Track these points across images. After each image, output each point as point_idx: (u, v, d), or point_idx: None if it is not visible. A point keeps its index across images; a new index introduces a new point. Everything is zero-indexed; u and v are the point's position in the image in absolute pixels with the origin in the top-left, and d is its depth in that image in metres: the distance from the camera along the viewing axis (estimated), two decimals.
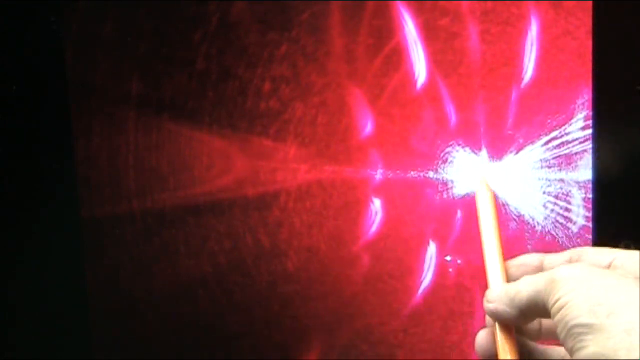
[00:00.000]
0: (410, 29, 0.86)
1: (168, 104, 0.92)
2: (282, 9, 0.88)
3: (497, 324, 0.46)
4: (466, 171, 0.87)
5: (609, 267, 0.45)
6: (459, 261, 0.90)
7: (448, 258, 0.90)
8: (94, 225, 0.95)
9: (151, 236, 0.95)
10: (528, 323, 0.47)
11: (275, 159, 0.91)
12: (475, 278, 0.89)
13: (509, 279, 0.48)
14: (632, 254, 0.44)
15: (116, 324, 0.97)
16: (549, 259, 0.48)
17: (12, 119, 0.91)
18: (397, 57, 0.87)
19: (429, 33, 0.86)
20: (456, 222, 0.89)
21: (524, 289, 0.44)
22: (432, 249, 0.90)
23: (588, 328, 0.39)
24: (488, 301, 0.46)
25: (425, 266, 0.91)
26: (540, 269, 0.47)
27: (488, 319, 0.48)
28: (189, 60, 0.90)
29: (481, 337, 0.48)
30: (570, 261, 0.47)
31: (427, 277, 0.91)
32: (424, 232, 0.90)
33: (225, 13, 0.89)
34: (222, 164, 0.92)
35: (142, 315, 0.97)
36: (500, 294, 0.46)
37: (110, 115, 0.92)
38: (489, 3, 0.84)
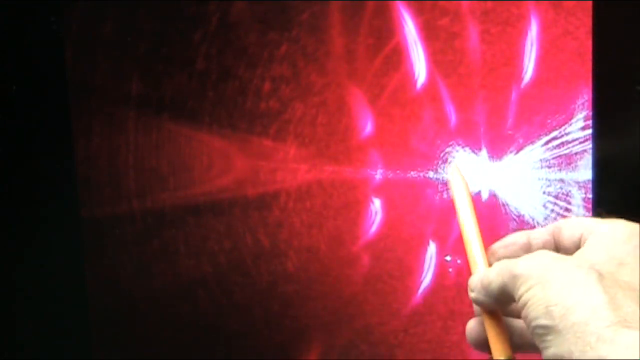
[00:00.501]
0: (410, 29, 0.86)
1: (168, 104, 0.92)
2: (282, 9, 0.88)
3: (483, 312, 0.47)
4: (466, 171, 0.87)
5: (578, 244, 0.45)
6: (459, 261, 0.90)
7: (448, 258, 0.90)
8: (94, 225, 0.95)
9: (151, 236, 0.95)
10: (509, 306, 0.47)
11: (275, 159, 0.91)
12: None
13: (500, 259, 0.48)
14: (597, 235, 0.44)
15: (116, 324, 0.97)
16: (534, 235, 0.48)
17: (12, 119, 0.91)
18: (397, 57, 0.87)
19: (429, 33, 0.86)
20: (456, 222, 0.89)
21: (494, 280, 0.44)
22: (432, 249, 0.90)
23: (546, 329, 0.39)
24: (470, 290, 0.48)
25: (425, 266, 0.91)
26: (528, 246, 0.48)
27: (475, 306, 0.49)
28: (189, 60, 0.90)
29: (471, 327, 0.49)
30: (552, 236, 0.47)
31: (427, 277, 0.91)
32: (424, 232, 0.90)
33: (225, 13, 0.89)
34: (222, 164, 0.92)
35: (142, 315, 0.97)
36: (477, 283, 0.47)
37: (110, 115, 0.92)
38: (489, 3, 0.84)
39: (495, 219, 0.87)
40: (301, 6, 0.87)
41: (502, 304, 0.46)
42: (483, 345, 0.47)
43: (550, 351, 0.39)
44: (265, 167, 0.92)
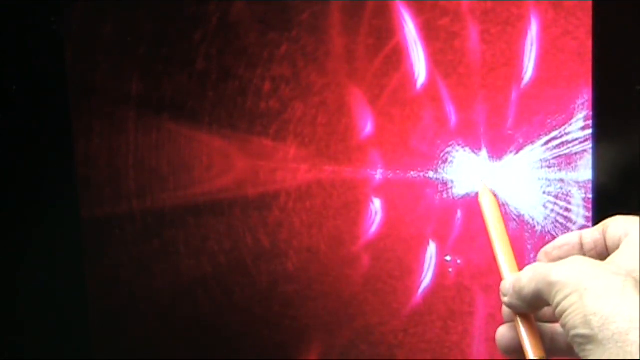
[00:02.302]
0: (410, 29, 0.86)
1: (168, 104, 0.92)
2: (282, 9, 0.88)
3: (516, 315, 0.47)
4: (466, 171, 0.87)
5: (619, 245, 0.45)
6: (459, 261, 0.89)
7: (448, 258, 0.90)
8: (94, 225, 0.95)
9: (151, 236, 0.95)
10: (541, 311, 0.47)
11: (275, 159, 0.91)
12: (475, 278, 0.89)
13: (554, 260, 0.48)
14: (633, 238, 0.44)
15: (116, 324, 0.97)
16: (585, 234, 0.48)
17: (12, 119, 0.91)
18: (397, 57, 0.87)
19: (429, 33, 0.86)
20: (456, 222, 0.89)
21: (527, 285, 0.45)
22: (432, 249, 0.90)
23: (586, 339, 0.40)
24: (503, 294, 0.48)
25: (425, 266, 0.91)
26: (580, 246, 0.48)
27: (505, 311, 0.49)
28: (189, 60, 0.90)
29: (502, 333, 0.49)
30: (602, 234, 0.47)
31: (427, 277, 0.91)
32: (424, 232, 0.90)
33: (225, 13, 0.89)
34: (222, 164, 0.92)
35: (142, 315, 0.97)
36: (509, 288, 0.47)
37: (110, 115, 0.92)
38: (489, 3, 0.84)
39: None
40: (301, 6, 0.87)
41: (534, 309, 0.46)
42: (514, 351, 0.48)
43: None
44: (265, 167, 0.92)
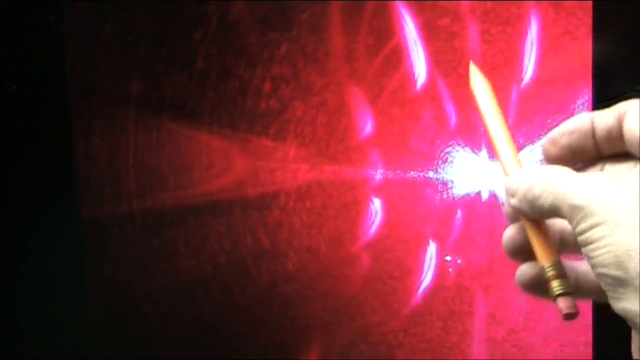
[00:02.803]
0: (410, 29, 0.86)
1: (168, 104, 0.92)
2: (282, 9, 0.88)
3: (525, 220, 0.42)
4: (466, 171, 0.87)
5: (637, 136, 0.39)
6: (459, 261, 0.90)
7: (448, 258, 0.90)
8: (94, 225, 0.95)
9: (151, 236, 0.95)
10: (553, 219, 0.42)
11: (275, 159, 0.91)
12: (475, 278, 0.89)
13: (562, 150, 0.43)
14: None
15: (116, 324, 0.97)
16: (598, 119, 0.41)
17: (12, 119, 0.91)
18: (397, 57, 0.87)
19: (429, 33, 0.86)
20: (456, 222, 0.89)
21: (542, 197, 0.39)
22: (432, 249, 0.90)
23: (617, 281, 0.35)
24: (510, 194, 0.42)
25: (425, 266, 0.91)
26: (592, 132, 0.41)
27: (508, 211, 0.43)
28: (189, 60, 0.90)
29: (509, 235, 0.43)
30: (617, 120, 0.40)
31: (427, 278, 0.91)
32: (423, 232, 0.90)
33: (225, 13, 0.89)
34: (222, 164, 0.92)
35: (142, 315, 0.97)
36: (516, 190, 0.41)
37: (110, 115, 0.92)
38: (489, 3, 0.84)
39: (495, 219, 0.87)
40: (301, 6, 0.87)
41: (545, 217, 0.41)
42: (522, 253, 0.42)
43: (621, 304, 0.35)
44: (265, 167, 0.92)
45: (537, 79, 0.84)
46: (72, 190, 0.94)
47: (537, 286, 0.41)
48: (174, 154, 0.93)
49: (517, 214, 0.43)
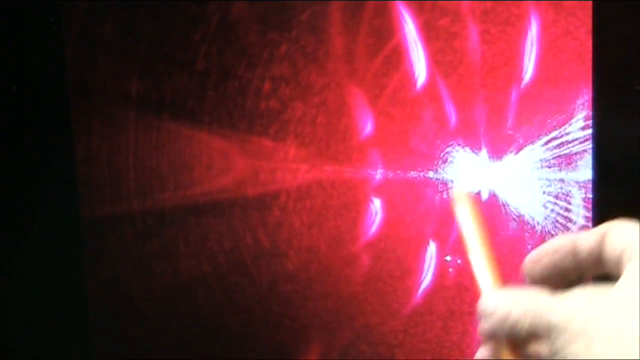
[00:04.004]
0: (410, 29, 0.86)
1: (168, 104, 0.92)
2: (282, 9, 0.88)
3: (502, 345, 0.41)
4: (466, 171, 0.87)
5: (619, 259, 0.39)
6: (459, 261, 0.89)
7: (448, 258, 0.90)
8: (94, 225, 0.95)
9: (151, 236, 0.95)
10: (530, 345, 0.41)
11: (275, 159, 0.91)
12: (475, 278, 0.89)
13: (544, 269, 0.43)
14: (637, 264, 0.38)
15: (116, 324, 0.97)
16: (580, 241, 0.41)
17: (12, 119, 0.91)
18: (397, 57, 0.87)
19: (429, 33, 0.86)
20: (456, 222, 0.89)
21: (520, 320, 0.39)
22: (432, 249, 0.90)
23: None
24: (483, 315, 0.41)
25: (425, 266, 0.91)
26: (574, 253, 0.42)
27: (484, 330, 0.42)
28: (189, 60, 0.90)
29: (481, 356, 0.42)
30: (598, 244, 0.41)
31: (427, 277, 0.91)
32: (423, 232, 0.90)
33: (225, 13, 0.89)
34: (222, 164, 0.92)
35: (142, 315, 0.97)
36: (497, 318, 0.40)
37: (110, 115, 0.92)
38: (489, 3, 0.84)
39: (495, 219, 0.87)
40: (301, 6, 0.87)
41: (522, 341, 0.40)
42: None
43: None
44: (265, 167, 0.92)
45: (537, 79, 0.84)
46: (72, 190, 0.94)
47: None
48: (174, 154, 0.93)
49: (491, 335, 0.42)
